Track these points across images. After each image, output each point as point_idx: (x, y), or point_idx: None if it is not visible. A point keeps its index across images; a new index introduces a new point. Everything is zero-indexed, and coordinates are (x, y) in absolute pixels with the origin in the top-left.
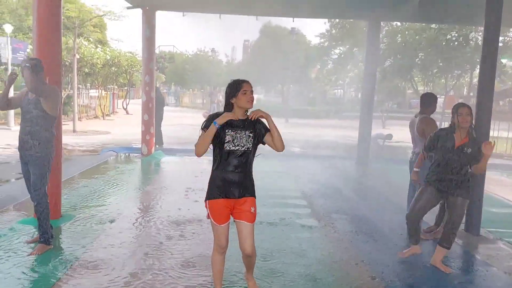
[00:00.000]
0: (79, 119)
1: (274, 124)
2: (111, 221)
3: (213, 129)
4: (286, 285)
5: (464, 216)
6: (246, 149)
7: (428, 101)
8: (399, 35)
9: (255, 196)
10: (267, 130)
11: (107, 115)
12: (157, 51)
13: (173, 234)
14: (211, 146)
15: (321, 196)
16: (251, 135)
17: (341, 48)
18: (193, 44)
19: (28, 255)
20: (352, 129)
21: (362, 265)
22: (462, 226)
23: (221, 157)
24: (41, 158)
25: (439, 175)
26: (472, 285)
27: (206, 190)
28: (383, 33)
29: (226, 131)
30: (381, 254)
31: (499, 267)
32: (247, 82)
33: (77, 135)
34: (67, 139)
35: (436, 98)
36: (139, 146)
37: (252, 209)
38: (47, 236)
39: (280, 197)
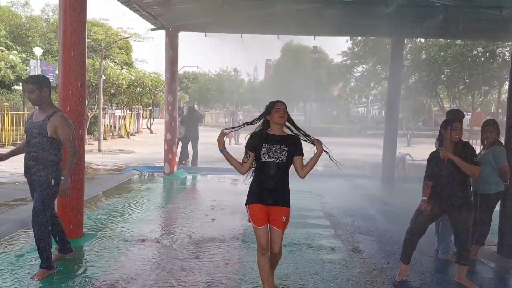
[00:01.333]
0: (105, 138)
1: (318, 159)
2: (133, 241)
3: (224, 154)
4: None
5: (497, 238)
6: (280, 161)
7: (456, 117)
8: (423, 52)
9: (289, 206)
10: (300, 154)
11: (131, 134)
12: (181, 71)
13: (195, 254)
14: None
15: (345, 216)
16: (286, 149)
17: (363, 66)
18: (216, 64)
19: (31, 277)
20: (377, 147)
21: None
22: (494, 249)
23: (258, 167)
24: (45, 181)
25: (436, 193)
26: None
27: (227, 209)
28: (407, 50)
29: (263, 144)
30: (411, 279)
31: None
32: (280, 101)
33: (102, 154)
34: (92, 158)
35: (462, 115)
36: (162, 165)
37: (284, 218)
38: (48, 263)
39: (303, 217)
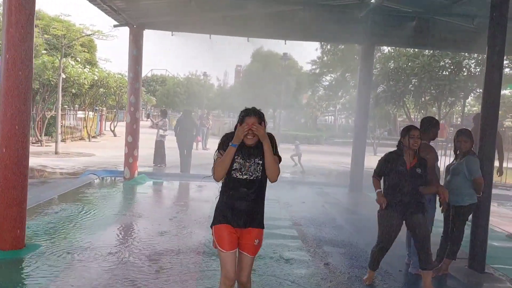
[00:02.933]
0: (63, 140)
1: (270, 148)
2: (79, 254)
3: (231, 150)
4: None
5: (468, 251)
6: (254, 178)
7: (427, 126)
8: (392, 61)
9: (262, 227)
10: (273, 153)
11: (93, 137)
12: (149, 74)
13: (149, 269)
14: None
15: (313, 225)
16: (260, 162)
17: (332, 75)
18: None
19: None
20: (343, 155)
21: None
22: (465, 262)
23: (228, 184)
24: None
25: (397, 199)
26: None
27: (190, 219)
28: (376, 59)
29: (235, 157)
30: None
31: None
32: (252, 114)
33: (59, 157)
34: (47, 161)
35: (437, 123)
36: (122, 169)
37: (256, 241)
38: None
39: (269, 226)
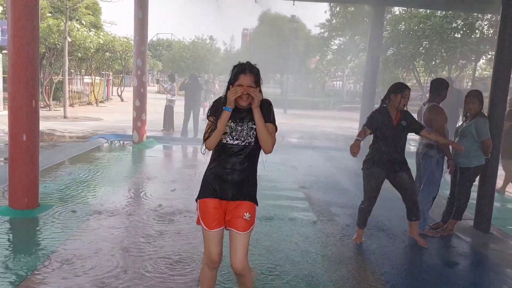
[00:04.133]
0: (71, 105)
1: (260, 116)
2: (92, 213)
3: (225, 115)
4: (283, 285)
5: (474, 213)
6: (247, 143)
7: (437, 88)
8: (403, 23)
9: (254, 201)
10: (267, 120)
11: (100, 101)
12: (155, 38)
13: (158, 228)
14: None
15: (319, 188)
16: (254, 126)
17: (341, 38)
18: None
19: None
20: (351, 120)
21: (363, 262)
22: (470, 223)
23: (217, 152)
24: None
25: (383, 156)
26: (482, 286)
27: (194, 181)
28: (386, 21)
29: (229, 122)
30: (383, 250)
31: (510, 267)
32: (245, 73)
33: (68, 121)
34: (56, 125)
35: (447, 85)
36: (131, 133)
37: (246, 214)
38: None
39: (276, 189)
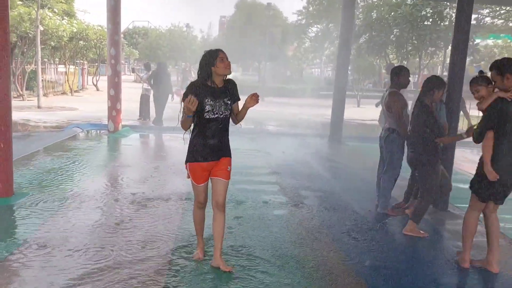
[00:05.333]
0: (45, 95)
1: (246, 110)
2: (67, 200)
3: (188, 120)
4: (254, 264)
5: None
6: (224, 116)
7: (395, 73)
8: (375, 11)
9: (230, 156)
10: (237, 99)
11: (75, 91)
12: (130, 26)
13: (133, 214)
14: None
15: (291, 173)
16: (229, 102)
17: (318, 26)
18: (168, 20)
19: None
20: (328, 107)
21: (331, 242)
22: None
23: (201, 125)
24: None
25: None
26: (438, 260)
27: (169, 169)
28: (359, 10)
29: (206, 100)
30: (350, 230)
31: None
32: (221, 50)
33: (42, 111)
34: (30, 115)
35: (404, 71)
36: (106, 122)
37: (229, 168)
38: None
39: (250, 174)
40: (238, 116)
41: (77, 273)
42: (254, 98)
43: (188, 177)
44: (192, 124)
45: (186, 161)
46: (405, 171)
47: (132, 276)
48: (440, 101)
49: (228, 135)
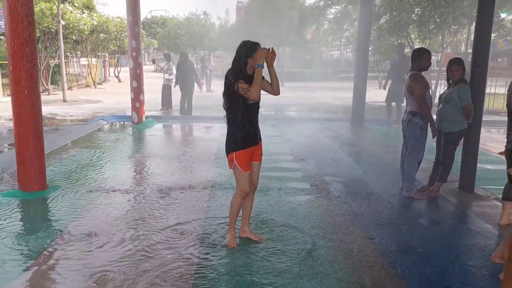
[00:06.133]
0: (70, 88)
1: (274, 69)
2: (98, 192)
3: (259, 70)
4: (281, 250)
5: (458, 174)
6: (259, 100)
7: (416, 56)
8: None
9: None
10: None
11: (98, 83)
12: (148, 16)
13: (165, 202)
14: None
15: (314, 159)
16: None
17: (336, 7)
18: (185, 8)
19: None
20: (348, 90)
21: (357, 227)
22: (456, 184)
23: (243, 112)
24: None
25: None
26: (466, 242)
27: (194, 157)
28: None
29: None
30: (376, 215)
31: (493, 224)
32: (259, 44)
33: (68, 104)
34: (57, 109)
35: (423, 52)
36: (130, 114)
37: (261, 150)
38: None
39: (272, 161)
40: (273, 85)
41: (113, 262)
42: (267, 54)
43: (232, 167)
44: (226, 115)
45: (232, 151)
46: (429, 154)
47: (163, 264)
48: (465, 83)
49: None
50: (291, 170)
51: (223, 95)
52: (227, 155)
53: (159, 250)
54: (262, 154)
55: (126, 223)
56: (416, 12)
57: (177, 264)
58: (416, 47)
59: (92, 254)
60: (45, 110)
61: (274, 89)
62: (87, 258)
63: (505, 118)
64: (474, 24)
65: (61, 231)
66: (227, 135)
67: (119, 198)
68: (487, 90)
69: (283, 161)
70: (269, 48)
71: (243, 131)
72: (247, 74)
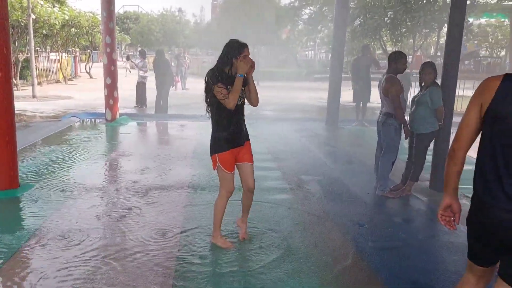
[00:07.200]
0: (39, 83)
1: (253, 80)
2: (71, 191)
3: (240, 80)
4: (257, 248)
5: (429, 173)
6: (241, 102)
7: (392, 59)
8: None
9: (249, 139)
10: (245, 84)
11: (69, 79)
12: (121, 11)
13: (137, 203)
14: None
15: (291, 158)
16: (243, 88)
17: (311, 8)
18: (159, 4)
19: None
20: (322, 90)
21: (333, 225)
22: (427, 184)
23: (223, 113)
24: None
25: None
26: (436, 239)
27: (169, 157)
28: None
29: (228, 87)
30: (351, 213)
31: (462, 222)
32: (247, 46)
33: (37, 100)
34: (26, 105)
35: (400, 56)
36: (103, 111)
37: (250, 150)
38: None
39: None
40: (251, 97)
41: (87, 262)
42: (246, 62)
43: (215, 168)
44: (209, 115)
45: (214, 152)
46: (402, 154)
47: (140, 266)
48: (437, 86)
49: (244, 120)
50: (269, 169)
51: (205, 91)
52: (210, 156)
53: (135, 251)
54: (252, 155)
55: (101, 224)
56: (389, 15)
57: (154, 264)
58: (388, 49)
59: (65, 255)
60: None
61: (252, 101)
62: (60, 259)
63: None
64: (444, 28)
65: (34, 231)
66: (211, 135)
67: (93, 198)
68: (456, 92)
69: (261, 160)
70: (252, 60)
71: (225, 132)
72: (230, 75)
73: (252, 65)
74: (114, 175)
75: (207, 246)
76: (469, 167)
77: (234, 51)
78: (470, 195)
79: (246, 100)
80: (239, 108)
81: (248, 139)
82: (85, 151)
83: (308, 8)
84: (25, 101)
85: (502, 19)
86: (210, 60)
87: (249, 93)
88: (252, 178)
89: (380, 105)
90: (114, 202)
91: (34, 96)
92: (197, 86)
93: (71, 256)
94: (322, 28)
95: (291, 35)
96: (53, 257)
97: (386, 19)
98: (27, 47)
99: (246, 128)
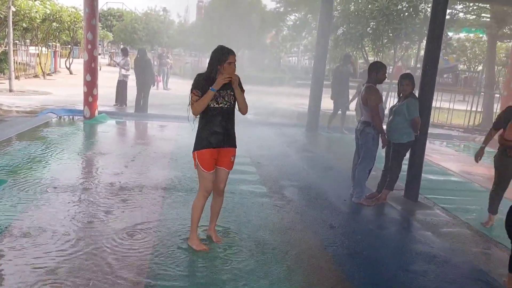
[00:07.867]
0: (17, 78)
1: (240, 92)
2: (45, 188)
3: (210, 94)
4: (234, 251)
5: (404, 183)
6: (228, 106)
7: (373, 69)
8: (352, 3)
9: (236, 147)
10: (242, 90)
11: (48, 74)
12: (104, 7)
13: (112, 203)
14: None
15: (270, 163)
16: (232, 93)
17: (296, 14)
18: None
19: None
20: (304, 97)
21: (309, 231)
22: (401, 193)
23: (207, 115)
24: None
25: None
26: (409, 247)
27: (147, 156)
28: (337, 0)
29: (220, 92)
30: (327, 219)
31: (434, 232)
32: (233, 53)
33: (14, 94)
34: (2, 99)
35: (380, 67)
36: (82, 108)
37: (232, 158)
38: None
39: None
40: (239, 106)
41: (56, 261)
42: (228, 70)
43: (196, 166)
44: (198, 116)
45: (194, 150)
46: (379, 162)
47: (111, 266)
48: (414, 97)
49: (233, 125)
50: (247, 173)
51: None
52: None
53: (107, 252)
54: (232, 163)
55: (75, 223)
56: (371, 25)
57: (126, 264)
58: (369, 59)
59: (37, 254)
60: None
61: (240, 110)
62: (32, 257)
63: (449, 131)
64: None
65: (6, 228)
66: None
67: (68, 196)
68: (432, 104)
69: (240, 164)
70: (230, 77)
71: (205, 132)
72: (215, 79)
73: (232, 76)
74: (89, 174)
75: (181, 249)
76: (442, 178)
77: (220, 57)
78: (443, 205)
79: (233, 106)
80: (223, 112)
81: (233, 146)
82: (61, 148)
83: (293, 14)
84: (1, 95)
85: (481, 35)
86: (193, 61)
87: (237, 102)
88: (224, 183)
89: (354, 113)
90: (87, 201)
91: (11, 90)
92: (178, 87)
93: (40, 256)
94: (306, 35)
95: (276, 40)
96: (21, 256)
97: (368, 29)
98: (6, 40)
99: (233, 134)
